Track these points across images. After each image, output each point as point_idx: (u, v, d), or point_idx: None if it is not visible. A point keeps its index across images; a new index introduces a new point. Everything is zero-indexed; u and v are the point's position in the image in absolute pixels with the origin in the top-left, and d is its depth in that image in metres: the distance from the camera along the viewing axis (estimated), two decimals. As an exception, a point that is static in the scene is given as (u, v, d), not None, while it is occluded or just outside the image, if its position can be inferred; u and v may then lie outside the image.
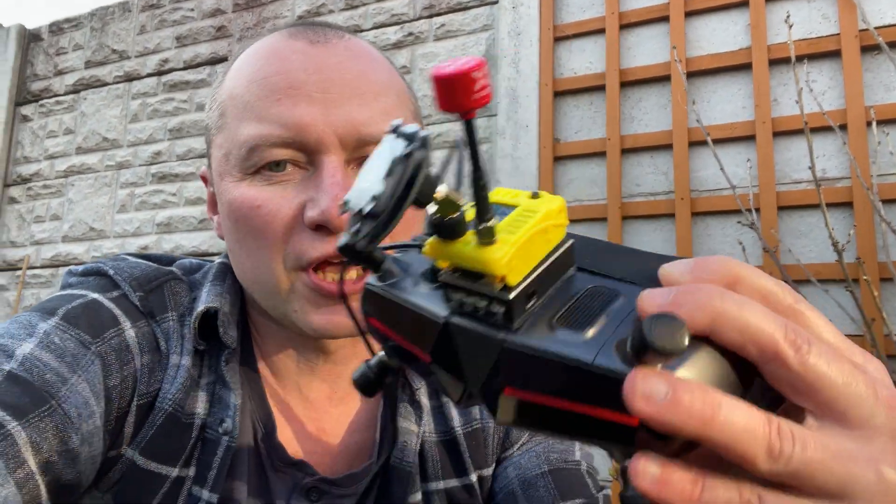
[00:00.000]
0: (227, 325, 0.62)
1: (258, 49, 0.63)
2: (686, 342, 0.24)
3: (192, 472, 0.59)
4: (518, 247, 0.29)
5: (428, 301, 0.33)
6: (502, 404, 0.30)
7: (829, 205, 1.82)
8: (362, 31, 2.70)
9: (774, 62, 2.01)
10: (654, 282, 0.29)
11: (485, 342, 0.30)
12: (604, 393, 0.26)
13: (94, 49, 3.37)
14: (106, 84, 3.31)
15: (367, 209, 0.30)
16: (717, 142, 1.92)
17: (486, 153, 2.38)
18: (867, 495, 0.25)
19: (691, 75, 2.09)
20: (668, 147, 2.11)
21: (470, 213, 0.30)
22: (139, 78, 3.23)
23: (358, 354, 0.68)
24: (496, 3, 2.48)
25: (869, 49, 1.92)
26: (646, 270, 0.30)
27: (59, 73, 3.44)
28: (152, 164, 3.10)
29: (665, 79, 2.14)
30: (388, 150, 0.31)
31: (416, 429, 0.66)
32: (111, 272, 0.63)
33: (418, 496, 0.66)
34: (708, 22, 2.13)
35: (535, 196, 0.32)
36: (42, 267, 3.26)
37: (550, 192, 2.19)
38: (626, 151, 2.17)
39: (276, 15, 2.91)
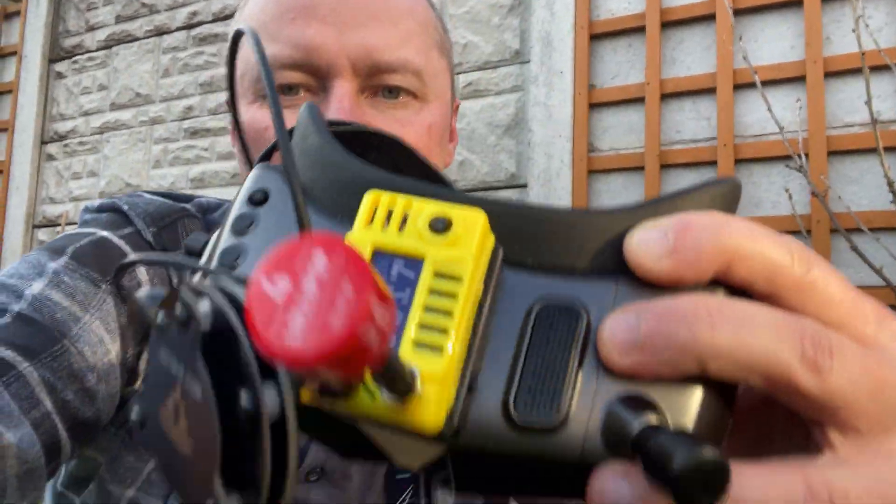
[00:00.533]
0: None
1: None
2: (725, 495, 0.16)
3: None
4: (454, 374, 0.19)
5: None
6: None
7: (885, 149, 1.73)
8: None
9: (828, -3, 1.89)
10: (620, 260, 0.21)
11: (423, 447, 0.20)
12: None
13: (124, 3, 3.36)
14: (137, 39, 3.30)
15: None
16: (764, 84, 1.82)
17: (517, 101, 2.31)
18: None
19: (738, 13, 1.98)
20: (710, 91, 2.01)
21: None
22: (169, 32, 3.22)
23: None
24: (530, -58, 2.37)
25: (933, -21, 1.78)
26: (608, 241, 0.21)
27: (91, 28, 3.44)
28: (184, 119, 3.11)
29: (709, 18, 2.03)
30: None
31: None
32: (125, 208, 0.63)
33: None
34: (756, -45, 2.01)
35: (439, 227, 0.20)
36: (81, 223, 3.32)
37: (585, 141, 2.13)
38: (665, 97, 2.08)
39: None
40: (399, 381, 0.17)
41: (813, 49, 1.88)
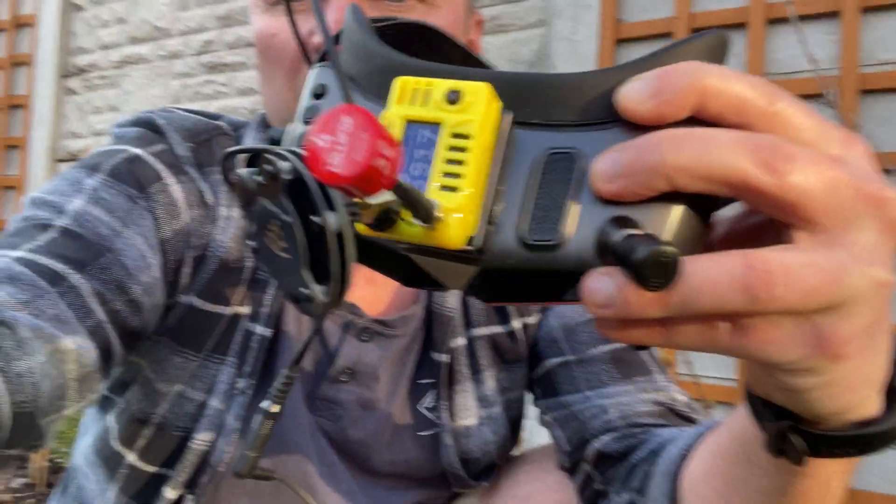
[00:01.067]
0: None
1: None
2: (677, 277, 0.22)
3: (246, 309, 0.61)
4: (471, 207, 0.24)
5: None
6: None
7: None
8: None
9: (870, -74, 1.81)
10: (613, 111, 0.25)
11: (459, 269, 0.27)
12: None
13: (141, -67, 3.30)
14: (154, -30, 3.25)
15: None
16: (799, 19, 1.76)
17: (541, 37, 2.26)
18: (861, 300, 0.24)
19: (773, -56, 1.90)
20: (741, 26, 1.95)
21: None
22: (187, -37, 3.16)
23: None
24: None
25: None
26: (601, 95, 0.25)
27: (108, -41, 3.39)
28: (203, 53, 3.08)
29: (743, -51, 1.96)
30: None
31: None
32: (161, 122, 0.63)
33: (461, 341, 0.67)
34: None
35: (453, 98, 0.25)
36: (103, 158, 3.34)
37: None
38: (695, 31, 2.02)
39: None
40: (420, 208, 0.24)
41: (851, -18, 1.81)
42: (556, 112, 0.25)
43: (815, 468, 0.34)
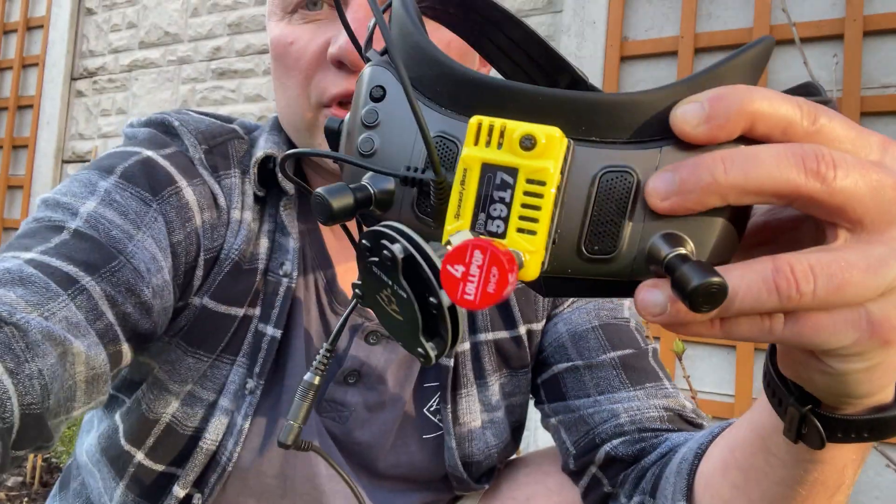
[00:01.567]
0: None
1: None
2: (723, 301, 0.24)
3: (257, 311, 0.62)
4: (544, 242, 0.27)
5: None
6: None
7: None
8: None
9: (874, -47, 1.84)
10: (665, 129, 0.27)
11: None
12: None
13: (155, -60, 3.34)
14: (166, -23, 3.29)
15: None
16: (802, 41, 1.79)
17: (549, 52, 2.29)
18: None
19: (778, -33, 1.93)
20: (745, 47, 1.98)
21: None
22: (199, -30, 3.19)
23: None
24: None
25: None
26: (655, 115, 0.27)
27: (121, -36, 3.43)
28: (212, 59, 3.11)
29: (749, -29, 1.99)
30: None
31: None
32: (175, 123, 0.64)
33: (466, 345, 0.68)
34: None
35: (527, 145, 0.26)
36: (109, 160, 3.36)
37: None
38: (699, 51, 2.05)
39: None
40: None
41: (854, 7, 1.83)
42: (611, 130, 0.27)
43: (831, 455, 0.37)
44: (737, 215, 0.28)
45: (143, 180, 0.58)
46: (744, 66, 0.28)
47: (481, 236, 0.26)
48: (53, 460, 2.52)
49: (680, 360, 1.33)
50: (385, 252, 0.29)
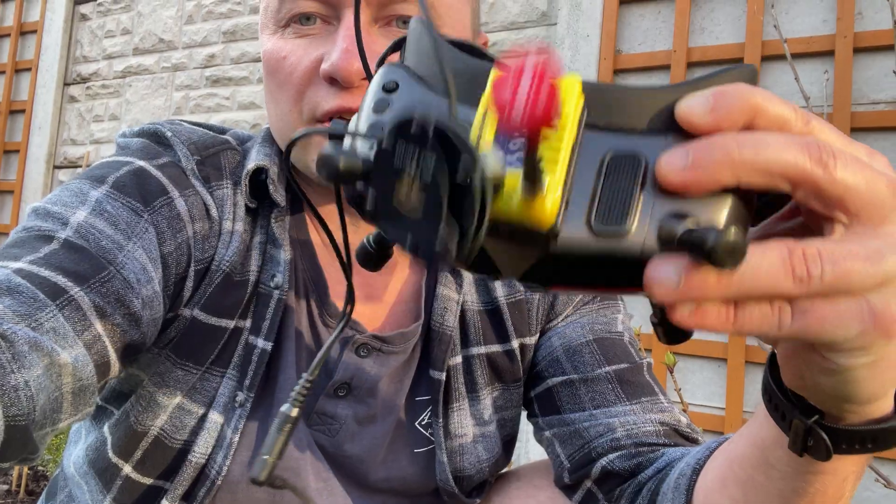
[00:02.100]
0: (276, 184, 0.63)
1: None
2: (743, 257, 0.25)
3: (248, 323, 0.62)
4: (559, 191, 0.27)
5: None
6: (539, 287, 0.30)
7: (908, 127, 1.72)
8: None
9: (864, -29, 1.86)
10: (669, 122, 0.28)
11: (524, 254, 0.29)
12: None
13: (151, -53, 3.34)
14: (162, -16, 3.29)
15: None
16: (793, 56, 1.81)
17: (543, 64, 2.30)
18: None
19: (770, -16, 1.96)
20: (738, 61, 1.99)
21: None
22: (194, -22, 3.20)
23: None
24: None
25: (973, -42, 1.75)
26: (660, 109, 0.29)
27: (117, -29, 3.43)
28: (206, 67, 3.11)
29: (741, -13, 2.01)
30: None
31: (456, 296, 0.67)
32: (168, 133, 0.63)
33: (458, 359, 0.68)
34: (794, -75, 1.97)
35: None
36: (101, 166, 3.35)
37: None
38: (691, 65, 2.06)
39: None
40: (538, 175, 0.26)
41: (844, 24, 1.86)
42: (620, 119, 0.29)
43: (833, 466, 0.37)
44: (744, 198, 0.28)
45: (134, 190, 0.57)
46: (736, 80, 0.30)
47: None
48: (40, 468, 2.49)
49: (671, 372, 1.33)
50: (414, 126, 0.27)
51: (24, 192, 3.49)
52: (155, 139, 0.64)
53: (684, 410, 1.63)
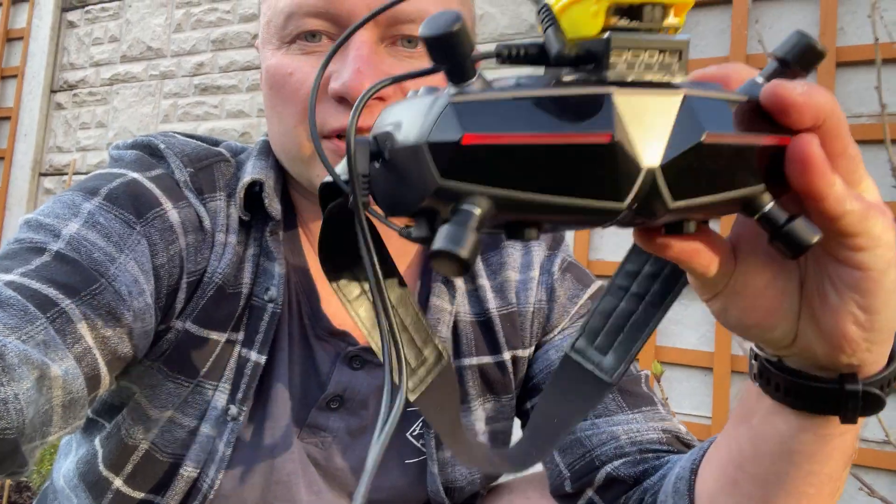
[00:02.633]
0: (271, 197, 0.63)
1: None
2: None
3: (241, 336, 0.62)
4: None
5: (571, 87, 0.28)
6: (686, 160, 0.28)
7: (893, 140, 1.75)
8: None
9: (845, -13, 1.90)
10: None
11: (665, 103, 0.27)
12: (767, 117, 0.30)
13: (139, -45, 3.34)
14: (150, -8, 3.28)
15: None
16: (775, 70, 1.84)
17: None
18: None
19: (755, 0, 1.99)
20: (722, 75, 2.03)
21: None
22: (183, -14, 3.20)
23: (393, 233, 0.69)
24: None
25: (951, -25, 1.79)
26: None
27: (105, -22, 3.42)
28: (195, 75, 3.10)
29: (726, 2, 2.04)
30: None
31: (449, 307, 0.68)
32: (161, 146, 0.64)
33: None
34: (777, -58, 2.01)
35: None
36: (88, 173, 3.32)
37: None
38: (678, 78, 2.09)
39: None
40: None
41: (827, 39, 1.89)
42: None
43: (843, 427, 0.38)
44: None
45: (127, 202, 0.57)
46: None
47: None
48: (23, 479, 2.46)
49: (658, 381, 1.35)
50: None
51: (9, 199, 3.46)
52: (148, 151, 0.64)
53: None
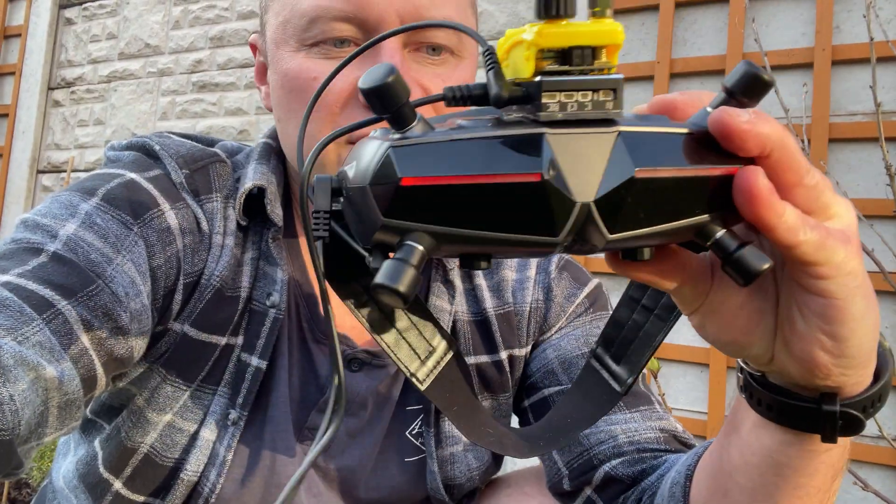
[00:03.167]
0: (273, 203, 0.63)
1: None
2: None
3: (240, 340, 0.62)
4: None
5: (507, 128, 0.29)
6: (630, 191, 0.29)
7: (887, 138, 1.76)
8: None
9: (841, -14, 1.91)
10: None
11: (599, 139, 0.29)
12: (714, 147, 0.30)
13: (137, -48, 3.33)
14: (148, -11, 3.28)
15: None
16: (772, 69, 1.85)
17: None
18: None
19: (751, -3, 2.00)
20: (719, 73, 2.03)
21: None
22: (181, -17, 3.19)
23: None
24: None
25: (946, -26, 1.80)
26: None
27: (102, -25, 3.41)
28: (193, 72, 3.10)
29: (724, 0, 2.05)
30: None
31: (449, 307, 0.68)
32: (156, 147, 0.63)
33: None
34: (774, -60, 2.01)
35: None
36: (86, 170, 3.33)
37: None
38: (674, 76, 2.10)
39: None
40: None
41: (822, 37, 1.90)
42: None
43: (829, 446, 0.39)
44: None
45: (124, 203, 0.57)
46: None
47: None
48: (22, 476, 2.47)
49: (655, 378, 1.36)
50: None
51: (7, 196, 3.45)
52: (144, 152, 0.64)
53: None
